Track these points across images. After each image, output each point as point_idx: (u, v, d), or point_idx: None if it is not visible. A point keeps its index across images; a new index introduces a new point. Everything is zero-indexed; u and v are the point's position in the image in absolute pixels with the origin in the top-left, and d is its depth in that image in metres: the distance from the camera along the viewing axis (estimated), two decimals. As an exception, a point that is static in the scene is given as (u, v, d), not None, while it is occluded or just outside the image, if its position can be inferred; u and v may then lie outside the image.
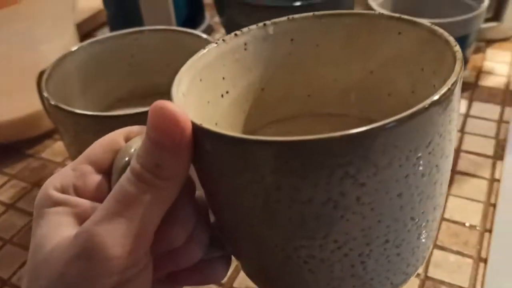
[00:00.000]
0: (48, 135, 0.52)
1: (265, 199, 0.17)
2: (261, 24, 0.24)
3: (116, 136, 0.21)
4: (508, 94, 0.56)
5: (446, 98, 0.16)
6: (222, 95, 0.23)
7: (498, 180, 0.45)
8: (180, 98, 0.20)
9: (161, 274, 0.21)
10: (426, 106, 0.16)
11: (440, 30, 0.20)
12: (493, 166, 0.46)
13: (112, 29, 0.61)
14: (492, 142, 0.50)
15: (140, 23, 0.55)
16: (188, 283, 0.23)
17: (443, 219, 0.40)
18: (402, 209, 0.18)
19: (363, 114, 0.25)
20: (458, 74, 0.17)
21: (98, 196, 0.20)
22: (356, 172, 0.16)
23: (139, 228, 0.18)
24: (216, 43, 0.23)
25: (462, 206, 0.42)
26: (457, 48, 0.19)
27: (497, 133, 0.51)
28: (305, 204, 0.17)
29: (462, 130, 0.51)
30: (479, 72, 0.59)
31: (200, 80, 0.22)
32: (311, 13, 0.23)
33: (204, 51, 0.22)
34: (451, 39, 0.19)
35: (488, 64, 0.61)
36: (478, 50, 0.62)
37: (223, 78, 0.23)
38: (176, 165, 0.18)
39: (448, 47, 0.19)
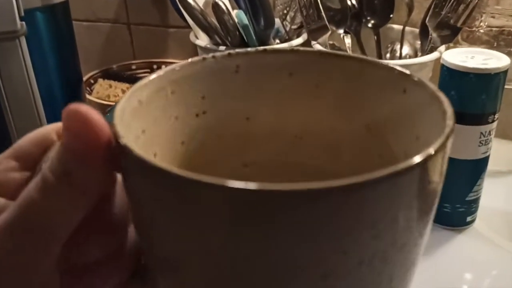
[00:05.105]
0: None
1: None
2: (261, 48, 0.21)
3: (49, 130, 0.19)
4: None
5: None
6: (197, 115, 0.21)
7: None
8: (133, 104, 0.18)
9: None
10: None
11: (443, 97, 0.17)
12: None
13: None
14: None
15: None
16: None
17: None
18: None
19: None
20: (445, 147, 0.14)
21: (16, 195, 0.18)
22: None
23: (40, 243, 0.16)
24: (204, 58, 0.21)
25: None
26: (451, 121, 0.15)
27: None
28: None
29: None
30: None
31: (172, 92, 0.20)
32: (316, 49, 0.21)
33: (185, 62, 0.20)
34: (449, 109, 0.16)
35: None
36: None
37: (203, 97, 0.21)
38: (86, 175, 0.16)
39: (443, 117, 0.16)
